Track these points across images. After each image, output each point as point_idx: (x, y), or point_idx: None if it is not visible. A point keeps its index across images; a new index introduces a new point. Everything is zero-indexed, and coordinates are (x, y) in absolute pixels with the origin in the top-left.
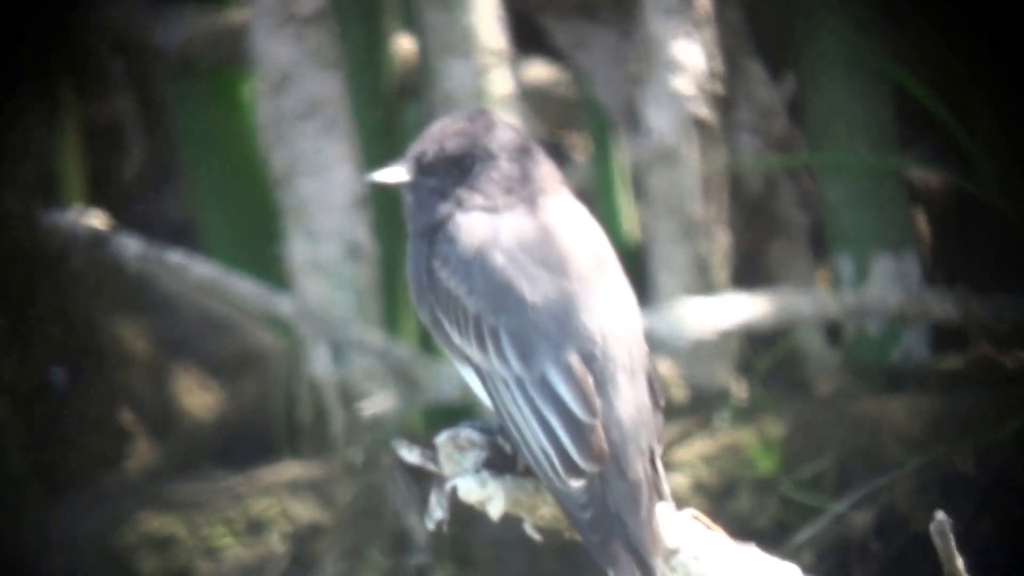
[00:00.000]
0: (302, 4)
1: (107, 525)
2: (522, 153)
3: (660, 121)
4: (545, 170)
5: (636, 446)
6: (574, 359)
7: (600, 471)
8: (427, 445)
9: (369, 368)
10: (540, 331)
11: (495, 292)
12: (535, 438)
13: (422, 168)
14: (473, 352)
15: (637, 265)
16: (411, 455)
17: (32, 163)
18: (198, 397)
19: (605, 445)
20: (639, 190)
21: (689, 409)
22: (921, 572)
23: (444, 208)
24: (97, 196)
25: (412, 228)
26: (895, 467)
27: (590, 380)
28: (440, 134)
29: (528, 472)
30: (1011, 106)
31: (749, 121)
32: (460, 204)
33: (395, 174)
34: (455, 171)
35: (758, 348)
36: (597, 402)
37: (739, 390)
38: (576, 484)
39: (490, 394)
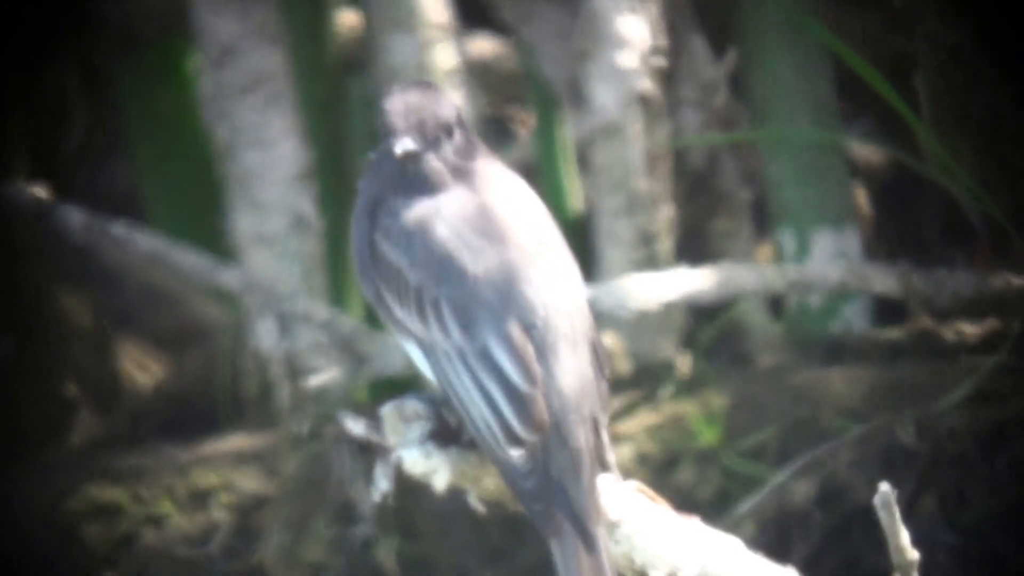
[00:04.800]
0: None
1: (52, 496)
2: (463, 125)
3: (605, 96)
4: (478, 143)
5: (578, 415)
6: (515, 329)
7: (542, 441)
8: (373, 417)
9: (315, 341)
10: (481, 302)
11: (436, 263)
12: (476, 408)
13: (427, 138)
14: (414, 324)
15: (581, 239)
16: (356, 427)
17: None
18: (143, 369)
19: (545, 415)
20: (583, 165)
21: (633, 382)
22: (862, 543)
23: (447, 177)
24: (40, 168)
25: (365, 201)
26: (836, 438)
27: (530, 350)
28: (425, 102)
29: (473, 444)
30: (951, 82)
31: (692, 97)
32: (459, 171)
33: (405, 145)
34: (448, 139)
35: (701, 321)
36: (537, 371)
37: (682, 363)
38: (517, 453)
39: (432, 367)
